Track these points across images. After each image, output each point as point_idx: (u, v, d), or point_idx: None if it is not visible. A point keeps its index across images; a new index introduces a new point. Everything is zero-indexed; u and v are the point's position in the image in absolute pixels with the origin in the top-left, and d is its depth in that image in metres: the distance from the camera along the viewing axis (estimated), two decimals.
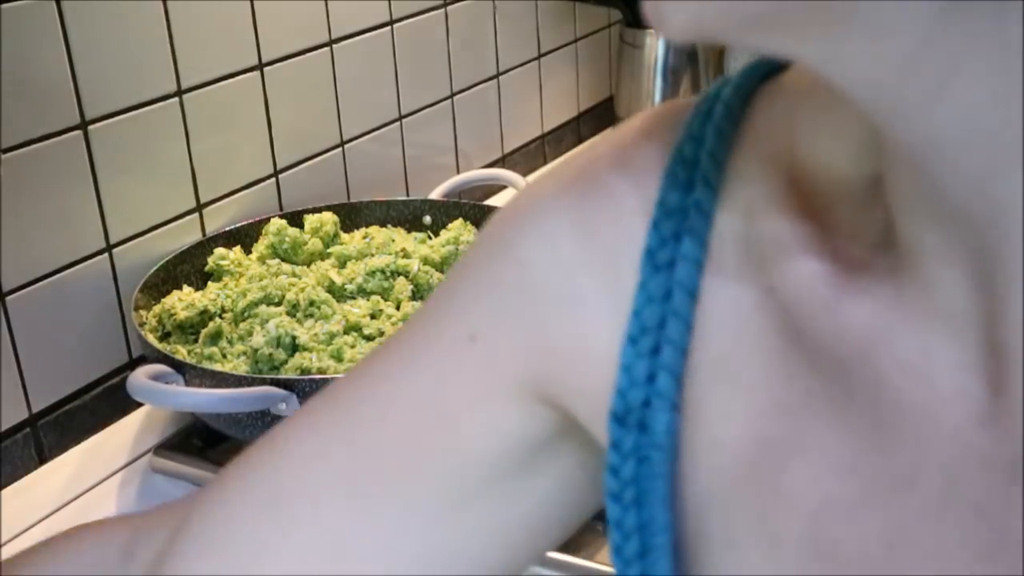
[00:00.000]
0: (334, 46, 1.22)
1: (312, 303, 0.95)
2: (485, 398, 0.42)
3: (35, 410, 0.95)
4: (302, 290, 0.97)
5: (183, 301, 0.97)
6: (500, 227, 0.44)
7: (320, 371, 0.87)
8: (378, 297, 0.98)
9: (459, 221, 1.12)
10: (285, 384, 0.83)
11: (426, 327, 0.45)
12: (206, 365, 0.90)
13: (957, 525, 0.33)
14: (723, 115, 0.40)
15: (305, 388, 0.82)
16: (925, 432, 0.34)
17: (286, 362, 0.90)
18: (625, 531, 0.38)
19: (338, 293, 0.99)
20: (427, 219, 1.16)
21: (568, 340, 0.40)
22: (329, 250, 1.08)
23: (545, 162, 1.63)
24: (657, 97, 1.55)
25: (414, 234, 1.14)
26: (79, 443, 0.99)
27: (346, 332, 0.93)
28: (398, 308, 0.98)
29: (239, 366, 0.90)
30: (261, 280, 1.00)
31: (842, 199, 0.37)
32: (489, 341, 0.42)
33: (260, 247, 1.08)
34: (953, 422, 0.33)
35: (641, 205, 0.40)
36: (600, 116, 1.73)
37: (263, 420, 0.85)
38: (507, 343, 0.42)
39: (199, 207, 1.09)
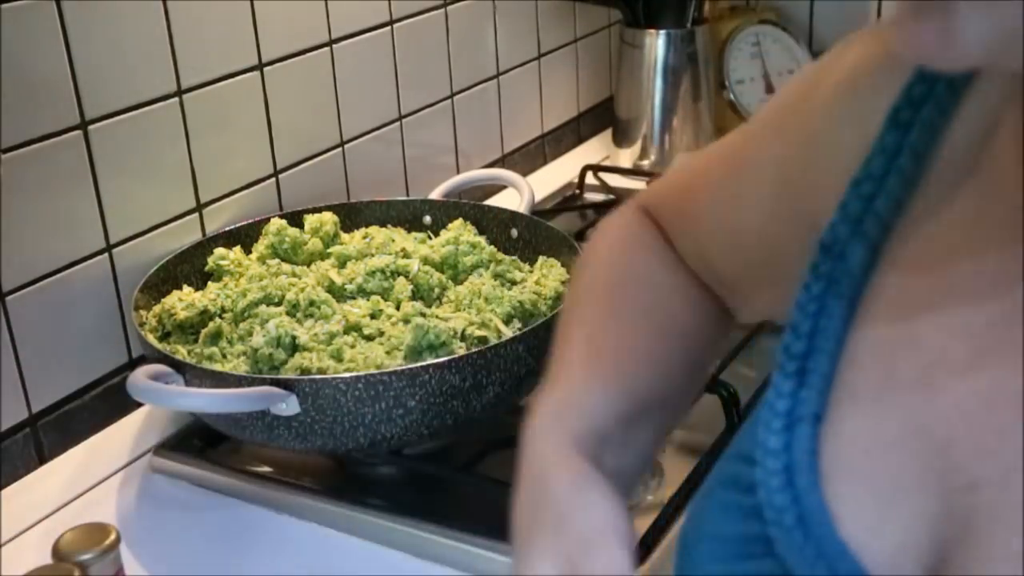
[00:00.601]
0: (334, 46, 1.22)
1: (312, 303, 0.95)
2: (778, 214, 0.52)
3: (35, 410, 0.95)
4: (302, 290, 0.97)
5: (183, 301, 0.97)
6: (808, 68, 0.54)
7: (320, 371, 0.87)
8: (378, 297, 0.98)
9: (459, 221, 1.12)
10: (285, 384, 0.83)
11: (747, 140, 0.57)
12: (206, 365, 0.90)
13: None
14: None
15: (305, 388, 0.82)
16: None
17: (286, 362, 0.90)
18: (798, 334, 0.45)
19: (338, 293, 0.99)
20: (427, 219, 1.16)
21: (828, 182, 0.47)
22: (329, 250, 1.08)
23: (545, 162, 1.63)
24: (657, 97, 1.55)
25: (414, 234, 1.14)
26: (79, 443, 0.99)
27: (346, 332, 0.93)
28: (398, 308, 0.98)
29: (239, 366, 0.90)
30: (261, 280, 1.00)
31: None
32: (784, 169, 0.52)
33: (260, 247, 1.08)
34: None
35: (904, 71, 0.45)
36: (600, 116, 1.73)
37: (263, 420, 0.85)
38: (796, 176, 0.51)
39: (199, 207, 1.09)
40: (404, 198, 1.21)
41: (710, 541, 0.45)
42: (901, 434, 0.40)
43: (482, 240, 1.08)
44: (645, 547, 0.81)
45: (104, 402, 1.01)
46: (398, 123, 1.34)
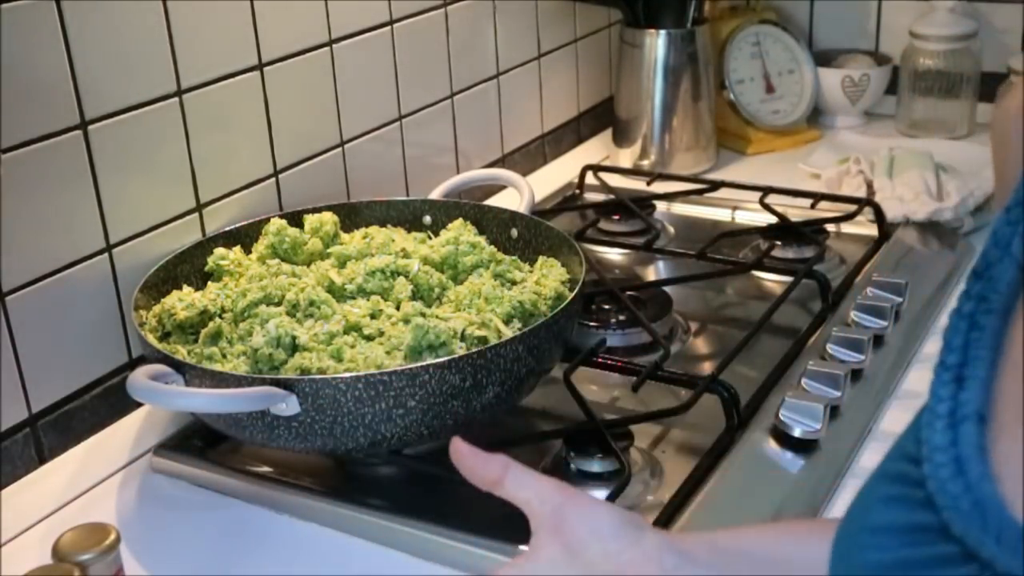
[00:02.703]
0: (334, 46, 1.22)
1: (312, 303, 0.95)
2: None
3: (35, 410, 0.95)
4: (302, 290, 0.97)
5: (183, 301, 0.97)
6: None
7: (320, 371, 0.87)
8: (378, 297, 0.98)
9: (459, 221, 1.12)
10: (285, 384, 0.83)
11: None
12: (206, 365, 0.90)
13: None
14: None
15: (305, 388, 0.82)
16: None
17: (286, 362, 0.90)
18: (952, 348, 0.49)
19: (338, 293, 0.99)
20: (427, 219, 1.16)
21: None
22: (329, 250, 1.08)
23: (545, 162, 1.63)
24: (657, 97, 1.55)
25: (414, 234, 1.14)
26: (79, 443, 0.99)
27: (346, 332, 0.93)
28: (398, 308, 0.98)
29: (239, 366, 0.90)
30: (261, 280, 1.00)
31: None
32: None
33: (260, 247, 1.08)
34: None
35: None
36: (600, 116, 1.73)
37: (263, 420, 0.85)
38: None
39: (199, 207, 1.09)
40: (404, 198, 1.21)
41: (875, 533, 0.49)
42: None
43: (482, 240, 1.08)
44: None
45: (104, 402, 1.01)
46: (398, 123, 1.34)
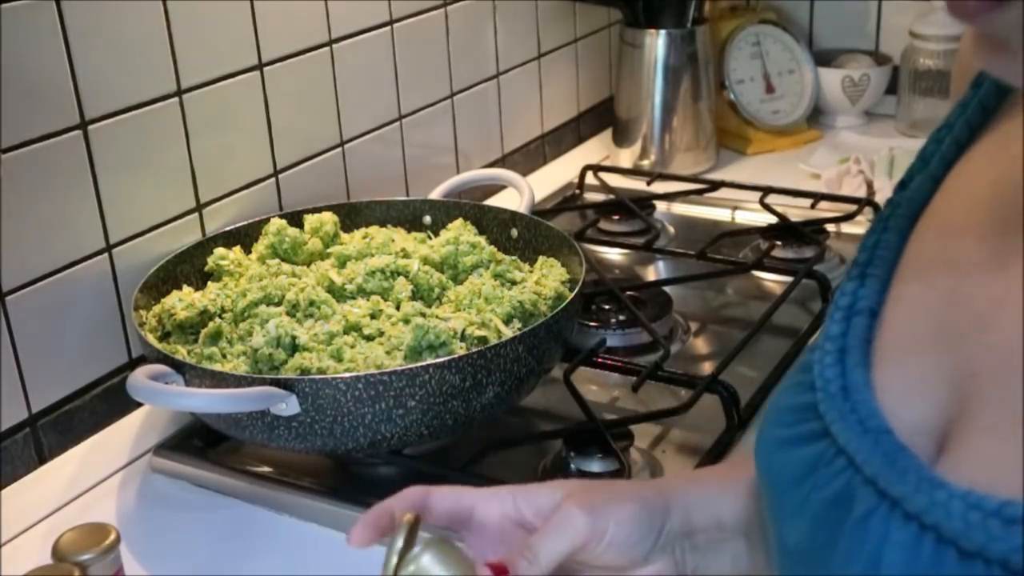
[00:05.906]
0: (334, 46, 1.22)
1: (312, 303, 0.95)
2: None
3: (35, 410, 0.95)
4: (302, 290, 0.97)
5: (183, 301, 0.97)
6: None
7: (320, 371, 0.87)
8: (378, 297, 0.98)
9: (459, 221, 1.12)
10: (285, 384, 0.83)
11: None
12: (206, 365, 0.90)
13: None
14: None
15: (305, 388, 0.82)
16: None
17: (286, 362, 0.90)
18: (864, 247, 0.54)
19: (338, 293, 0.99)
20: (427, 219, 1.16)
21: None
22: (329, 250, 1.08)
23: (545, 162, 1.63)
24: (657, 97, 1.55)
25: (414, 234, 1.14)
26: (79, 443, 0.99)
27: (346, 332, 0.93)
28: (398, 308, 0.98)
29: (239, 366, 0.90)
30: (261, 280, 1.00)
31: None
32: None
33: (260, 247, 1.08)
34: None
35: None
36: (600, 116, 1.73)
37: (263, 420, 0.85)
38: None
39: (199, 207, 1.09)
40: (404, 198, 1.21)
41: (777, 412, 0.54)
42: (931, 334, 0.48)
43: (482, 240, 1.08)
44: None
45: (104, 402, 1.01)
46: (398, 123, 1.34)
